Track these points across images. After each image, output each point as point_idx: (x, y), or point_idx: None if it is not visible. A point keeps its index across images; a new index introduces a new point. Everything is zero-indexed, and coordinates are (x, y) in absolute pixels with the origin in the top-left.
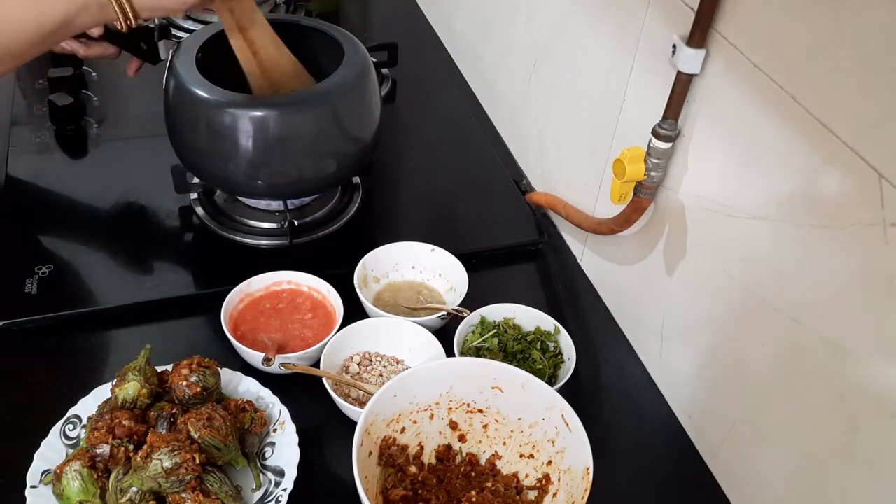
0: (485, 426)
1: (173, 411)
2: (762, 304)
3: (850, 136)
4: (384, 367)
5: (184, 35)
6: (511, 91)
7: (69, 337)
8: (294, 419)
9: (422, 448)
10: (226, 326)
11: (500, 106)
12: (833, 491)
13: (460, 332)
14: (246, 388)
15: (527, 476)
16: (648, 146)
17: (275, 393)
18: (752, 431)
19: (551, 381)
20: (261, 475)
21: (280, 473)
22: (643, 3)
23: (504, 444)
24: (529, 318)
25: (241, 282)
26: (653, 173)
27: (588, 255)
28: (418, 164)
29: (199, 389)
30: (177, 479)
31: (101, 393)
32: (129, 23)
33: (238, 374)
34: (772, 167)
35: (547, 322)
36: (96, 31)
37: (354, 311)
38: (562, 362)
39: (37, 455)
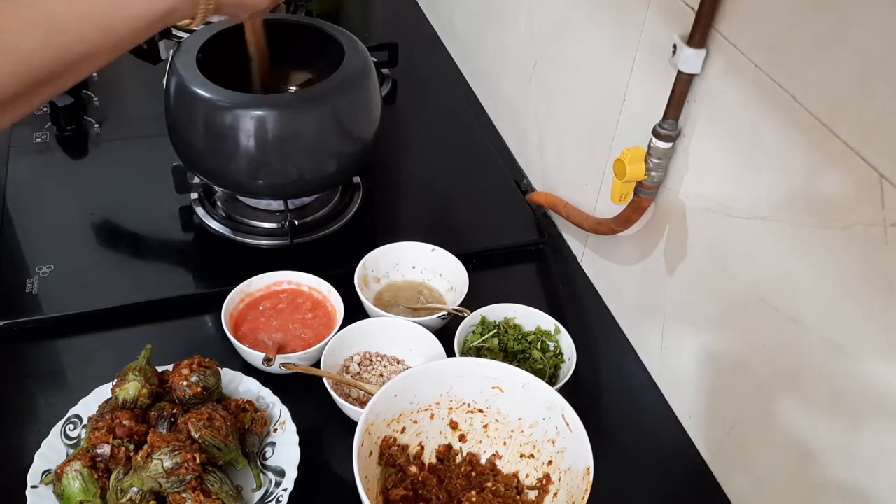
0: (485, 426)
1: (174, 411)
2: (762, 304)
3: (851, 135)
4: (384, 366)
5: (184, 35)
6: (511, 91)
7: (69, 337)
8: (294, 419)
9: (422, 448)
10: (226, 326)
11: (501, 106)
12: (833, 491)
13: (461, 332)
14: (246, 388)
15: (527, 476)
16: (649, 146)
17: (275, 393)
18: (752, 431)
19: (552, 380)
20: (261, 475)
21: (280, 473)
22: (643, 3)
23: (504, 443)
24: (530, 317)
25: (241, 282)
26: (653, 173)
27: (588, 255)
28: (419, 164)
29: (199, 389)
30: (177, 480)
31: (102, 393)
32: (197, 22)
33: (238, 374)
34: (772, 167)
35: (547, 322)
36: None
37: (355, 311)
38: (562, 362)
39: (37, 455)
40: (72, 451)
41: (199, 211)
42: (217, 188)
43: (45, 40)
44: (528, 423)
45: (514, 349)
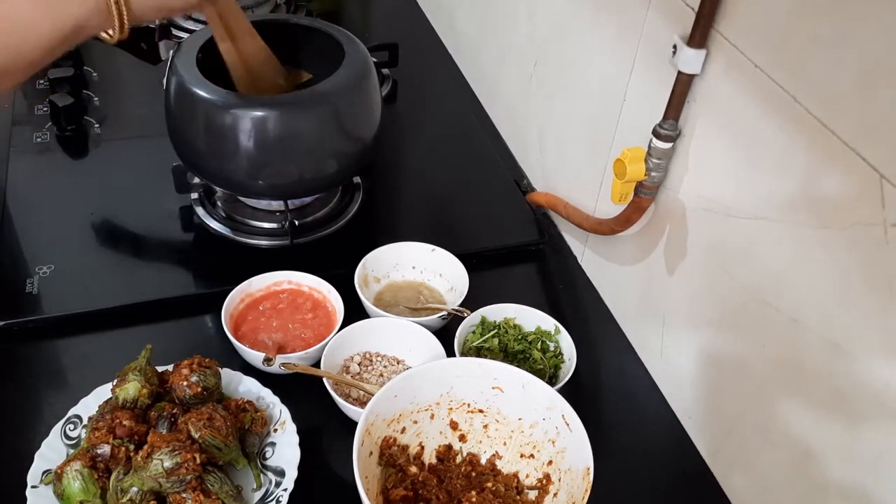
0: (485, 426)
1: (174, 411)
2: (762, 304)
3: (851, 136)
4: (385, 367)
5: (184, 35)
6: (511, 91)
7: (70, 337)
8: (294, 419)
9: (422, 448)
10: (226, 326)
11: (501, 106)
12: (833, 491)
13: (461, 332)
14: (246, 388)
15: (527, 476)
16: (649, 146)
17: (275, 393)
18: (752, 431)
19: (552, 381)
20: (261, 475)
21: (281, 473)
22: (644, 3)
23: (504, 444)
24: (530, 318)
25: (241, 282)
26: (653, 173)
27: (588, 255)
28: (419, 164)
29: (199, 389)
30: (177, 480)
31: (102, 393)
32: (122, 31)
33: (238, 374)
34: (772, 167)
35: (547, 322)
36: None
37: (355, 311)
38: (562, 362)
39: (37, 455)
40: (72, 451)
41: (199, 211)
42: (217, 188)
43: None
44: (529, 423)
45: (514, 349)
